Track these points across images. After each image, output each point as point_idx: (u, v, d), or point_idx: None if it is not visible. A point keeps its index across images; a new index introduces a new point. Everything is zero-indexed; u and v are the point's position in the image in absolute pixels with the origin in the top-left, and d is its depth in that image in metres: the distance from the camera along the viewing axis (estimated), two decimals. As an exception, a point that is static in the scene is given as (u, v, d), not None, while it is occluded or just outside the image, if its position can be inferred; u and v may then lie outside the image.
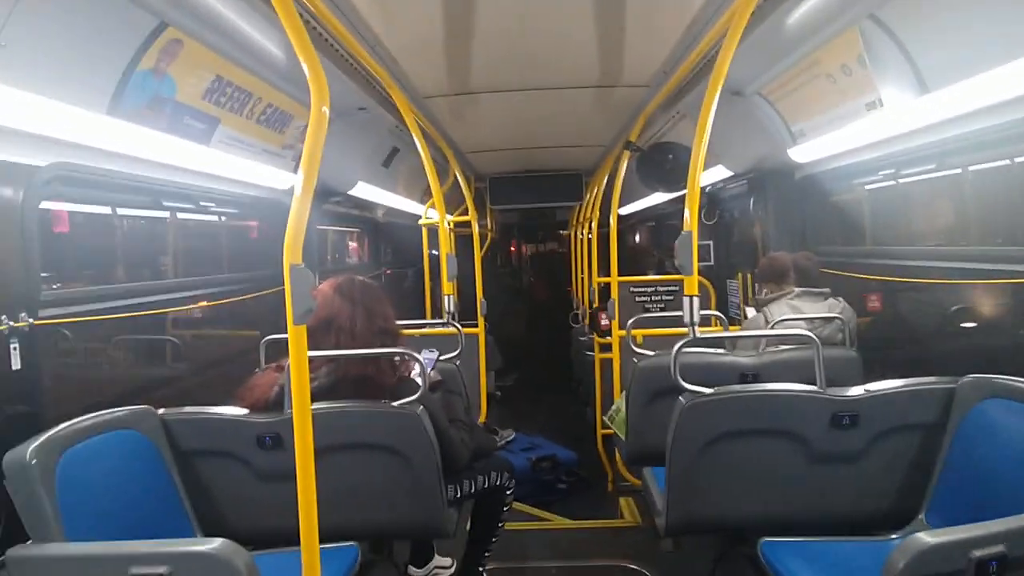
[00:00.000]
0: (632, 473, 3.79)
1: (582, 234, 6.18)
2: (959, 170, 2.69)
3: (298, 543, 1.29)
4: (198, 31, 2.07)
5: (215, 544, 1.35)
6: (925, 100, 2.27)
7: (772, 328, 2.82)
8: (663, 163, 3.93)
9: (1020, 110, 2.04)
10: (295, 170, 3.32)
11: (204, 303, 3.06)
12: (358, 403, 2.01)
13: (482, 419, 4.07)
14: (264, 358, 2.51)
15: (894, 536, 1.89)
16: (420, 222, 5.27)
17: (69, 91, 1.79)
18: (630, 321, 3.06)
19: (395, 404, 2.00)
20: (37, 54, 1.65)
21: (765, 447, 1.95)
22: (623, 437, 2.81)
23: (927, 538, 1.27)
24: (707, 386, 1.95)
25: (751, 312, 3.42)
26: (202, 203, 2.97)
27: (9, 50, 1.56)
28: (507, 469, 2.54)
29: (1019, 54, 1.81)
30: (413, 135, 3.01)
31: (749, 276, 4.32)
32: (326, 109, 1.36)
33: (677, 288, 4.69)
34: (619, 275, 3.84)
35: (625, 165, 3.79)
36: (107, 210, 2.64)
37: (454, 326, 3.13)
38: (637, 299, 4.73)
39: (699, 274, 2.10)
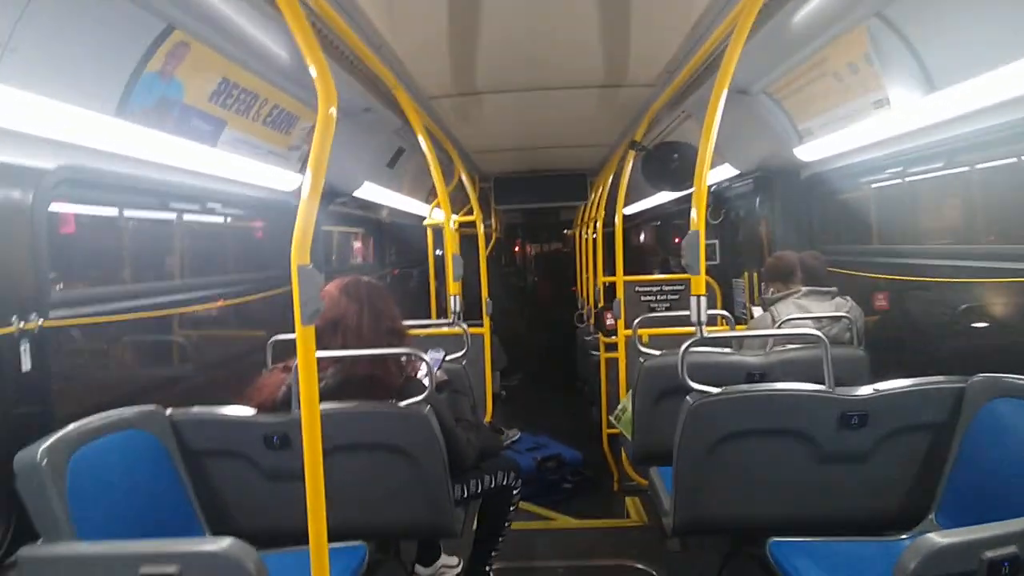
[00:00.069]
0: (638, 473, 3.78)
1: (587, 234, 6.17)
2: (967, 168, 2.67)
3: (306, 542, 1.29)
4: (205, 34, 2.08)
5: (224, 543, 1.36)
6: (932, 98, 2.26)
7: (779, 327, 2.81)
8: (668, 162, 3.92)
9: (1029, 108, 2.03)
10: (301, 171, 3.33)
11: (211, 304, 3.07)
12: (365, 403, 2.02)
13: (488, 419, 4.07)
14: (271, 358, 2.52)
15: (904, 536, 1.88)
16: (425, 222, 5.28)
17: (77, 94, 1.81)
18: (636, 320, 3.05)
19: (402, 404, 2.00)
20: (46, 58, 1.66)
21: (773, 447, 1.94)
22: (629, 437, 2.80)
23: (938, 539, 1.26)
24: (714, 386, 1.95)
25: (758, 311, 3.41)
26: (208, 204, 2.98)
27: (19, 54, 1.57)
28: (514, 469, 2.54)
29: (1028, 51, 1.80)
30: (418, 135, 3.02)
31: (755, 275, 4.31)
32: (333, 110, 1.36)
33: (682, 287, 4.68)
34: (624, 275, 3.84)
35: (630, 164, 3.79)
36: (114, 211, 2.66)
37: (460, 326, 3.13)
38: (642, 299, 4.73)
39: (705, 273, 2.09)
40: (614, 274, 3.94)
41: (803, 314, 2.84)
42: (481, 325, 4.02)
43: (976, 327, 2.63)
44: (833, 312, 2.84)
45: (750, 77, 3.05)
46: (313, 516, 1.27)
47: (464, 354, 2.91)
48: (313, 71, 1.37)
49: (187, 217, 3.06)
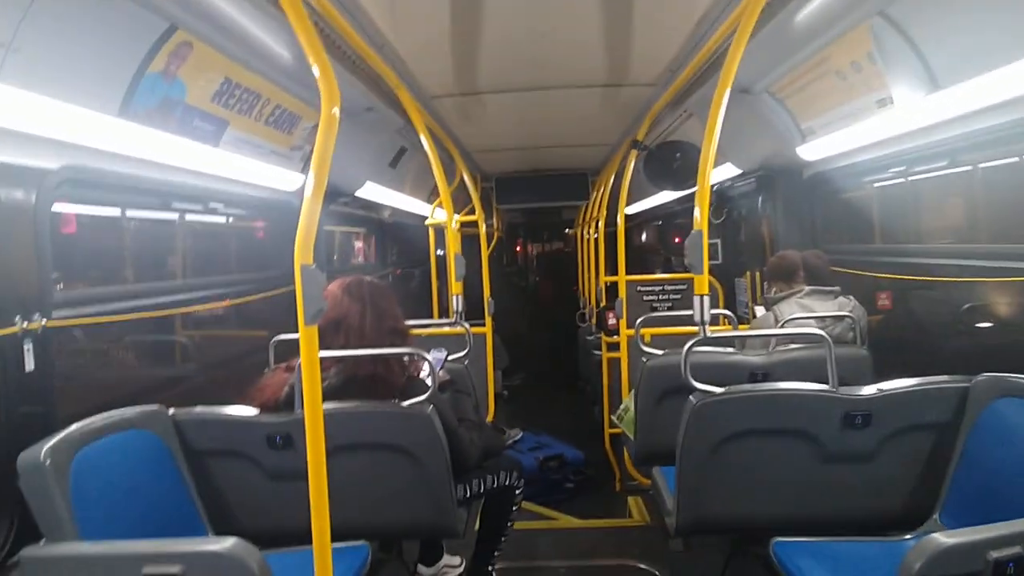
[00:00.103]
0: (640, 472, 3.78)
1: (588, 233, 6.17)
2: (970, 168, 2.67)
3: (308, 542, 1.29)
4: (207, 34, 2.09)
5: (228, 543, 1.36)
6: (936, 97, 2.25)
7: (782, 327, 2.80)
8: (671, 161, 3.92)
9: (1033, 106, 2.02)
10: (303, 171, 3.33)
11: (215, 304, 3.07)
12: (368, 403, 2.02)
13: (490, 418, 4.07)
14: (273, 358, 2.52)
15: (908, 537, 1.87)
16: (427, 222, 5.27)
17: (80, 94, 1.81)
18: (639, 320, 3.05)
19: (405, 404, 2.00)
20: (49, 58, 1.66)
21: (777, 447, 1.93)
22: (632, 436, 2.80)
23: (943, 539, 1.26)
24: (717, 385, 1.94)
25: (760, 311, 3.41)
26: (211, 204, 2.98)
27: (22, 54, 1.58)
28: (516, 468, 2.53)
29: (1032, 50, 1.80)
30: (421, 135, 3.02)
31: (758, 275, 4.30)
32: (336, 110, 1.36)
33: (685, 287, 4.67)
34: (626, 274, 3.83)
35: (632, 164, 3.78)
36: (116, 211, 2.66)
37: (462, 326, 3.13)
38: (644, 298, 4.72)
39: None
40: (616, 274, 3.93)
41: (806, 313, 2.83)
42: (483, 325, 4.02)
43: (979, 326, 2.62)
44: (836, 312, 2.84)
45: (753, 76, 3.04)
46: (316, 516, 1.27)
47: (466, 354, 2.91)
48: (316, 71, 1.37)
49: (189, 217, 3.07)
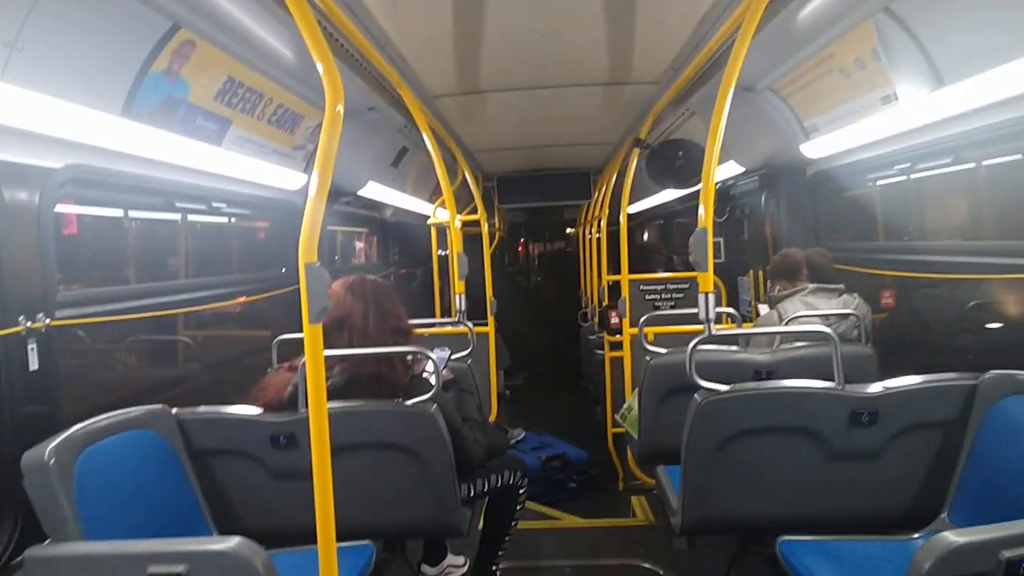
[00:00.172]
0: (644, 472, 3.77)
1: (590, 233, 6.16)
2: (974, 165, 2.65)
3: (313, 542, 1.28)
4: (210, 33, 2.08)
5: (232, 542, 1.35)
6: (940, 94, 2.24)
7: (786, 325, 2.79)
8: (673, 160, 3.91)
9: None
10: (305, 171, 3.33)
11: (225, 303, 3.07)
12: (372, 402, 2.01)
13: (493, 418, 4.06)
14: (276, 358, 2.51)
15: (916, 536, 1.86)
16: (429, 221, 5.27)
17: (84, 93, 1.80)
18: (642, 319, 3.04)
19: (409, 403, 2.00)
20: (52, 57, 1.66)
21: (782, 445, 1.93)
22: (635, 435, 2.79)
23: (954, 537, 1.24)
24: (721, 384, 1.93)
25: (763, 309, 3.40)
26: (214, 204, 2.98)
27: (26, 53, 1.57)
28: (520, 468, 2.53)
29: (1037, 45, 1.79)
30: (423, 134, 3.01)
31: (761, 273, 4.29)
32: (340, 108, 1.35)
33: (687, 286, 4.67)
34: (628, 273, 3.83)
35: (634, 163, 3.77)
36: (118, 211, 2.66)
37: (465, 325, 3.12)
38: (647, 297, 4.71)
39: None
40: (618, 273, 3.92)
41: (810, 312, 2.83)
42: (485, 324, 4.01)
43: (985, 324, 2.61)
44: (840, 309, 2.83)
45: (756, 74, 3.03)
46: (321, 515, 1.26)
47: (469, 353, 2.91)
48: (320, 67, 1.36)
49: (192, 217, 3.06)
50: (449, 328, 3.50)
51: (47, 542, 1.54)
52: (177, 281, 3.02)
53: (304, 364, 1.47)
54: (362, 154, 3.83)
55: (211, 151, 2.48)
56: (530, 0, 2.33)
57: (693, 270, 4.05)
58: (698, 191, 1.96)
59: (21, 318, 1.74)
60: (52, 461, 1.54)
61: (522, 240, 10.27)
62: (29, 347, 1.76)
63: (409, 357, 2.16)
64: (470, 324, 3.12)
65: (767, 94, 3.22)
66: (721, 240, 5.05)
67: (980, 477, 1.81)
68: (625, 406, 3.04)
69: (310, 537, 1.30)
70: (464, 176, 4.35)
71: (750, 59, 1.89)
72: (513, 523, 2.57)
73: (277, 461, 1.98)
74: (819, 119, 3.08)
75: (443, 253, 5.41)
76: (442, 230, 5.33)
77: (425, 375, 2.13)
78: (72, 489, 1.56)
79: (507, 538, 2.58)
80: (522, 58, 2.99)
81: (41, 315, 1.79)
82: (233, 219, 3.56)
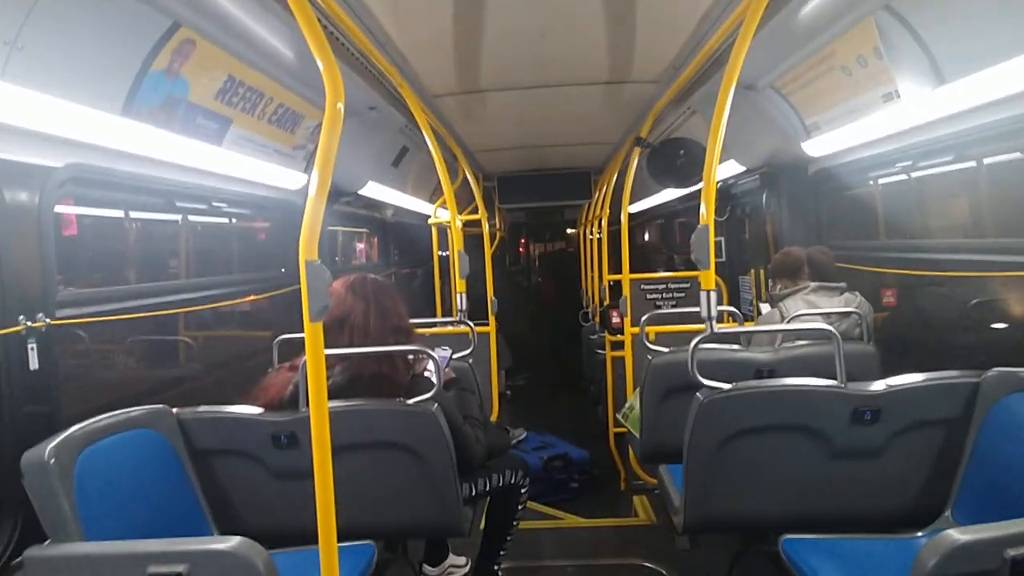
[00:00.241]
0: (646, 471, 3.76)
1: (591, 232, 6.16)
2: (977, 162, 2.65)
3: (314, 542, 1.28)
4: (210, 31, 2.08)
5: (233, 542, 1.35)
6: (942, 91, 2.23)
7: (788, 324, 2.79)
8: (674, 159, 3.90)
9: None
10: (306, 170, 3.33)
11: (216, 304, 3.07)
12: (373, 401, 2.01)
13: (494, 417, 4.06)
14: (277, 357, 2.51)
15: (919, 534, 1.86)
16: (430, 221, 5.27)
17: (84, 92, 1.80)
18: (644, 318, 3.04)
19: (410, 402, 1.99)
20: (52, 56, 1.66)
21: (785, 443, 1.92)
22: (637, 435, 2.79)
23: (958, 535, 1.24)
24: (723, 382, 1.93)
25: (765, 308, 3.39)
26: (214, 204, 2.98)
27: (26, 52, 1.57)
28: (521, 467, 2.52)
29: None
30: (424, 134, 3.01)
31: (762, 272, 4.28)
32: (341, 106, 1.35)
33: (688, 285, 4.66)
34: (629, 273, 3.82)
35: (635, 162, 3.77)
36: (119, 212, 2.66)
37: (466, 324, 3.11)
38: (648, 296, 4.71)
39: None
40: (619, 272, 3.92)
41: (811, 310, 2.82)
42: (486, 324, 4.01)
43: (987, 322, 2.60)
44: (842, 308, 2.82)
45: (757, 72, 3.03)
46: (322, 515, 1.26)
47: (470, 352, 2.90)
48: (320, 65, 1.36)
49: (192, 216, 3.06)
50: (450, 328, 3.50)
51: (47, 542, 1.54)
52: (177, 281, 3.01)
53: (305, 363, 1.46)
54: (363, 154, 3.82)
55: (211, 151, 2.48)
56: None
57: (694, 269, 4.05)
58: (699, 190, 1.96)
59: (21, 317, 1.74)
60: (52, 461, 1.53)
61: (523, 240, 10.27)
62: (29, 347, 1.75)
63: (410, 356, 2.15)
64: (471, 324, 3.11)
65: (768, 92, 3.21)
66: (722, 239, 5.04)
67: (983, 475, 1.80)
68: (627, 405, 3.04)
69: (311, 537, 1.29)
70: (465, 176, 4.35)
71: (751, 57, 1.88)
72: (515, 523, 2.57)
73: (278, 461, 1.98)
74: (820, 117, 3.07)
75: (444, 253, 5.40)
76: (443, 230, 5.33)
77: (426, 374, 2.13)
78: (72, 489, 1.55)
79: (509, 538, 2.57)
80: (523, 57, 2.99)
81: (41, 315, 1.79)
82: (234, 219, 3.56)
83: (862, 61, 2.49)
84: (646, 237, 9.16)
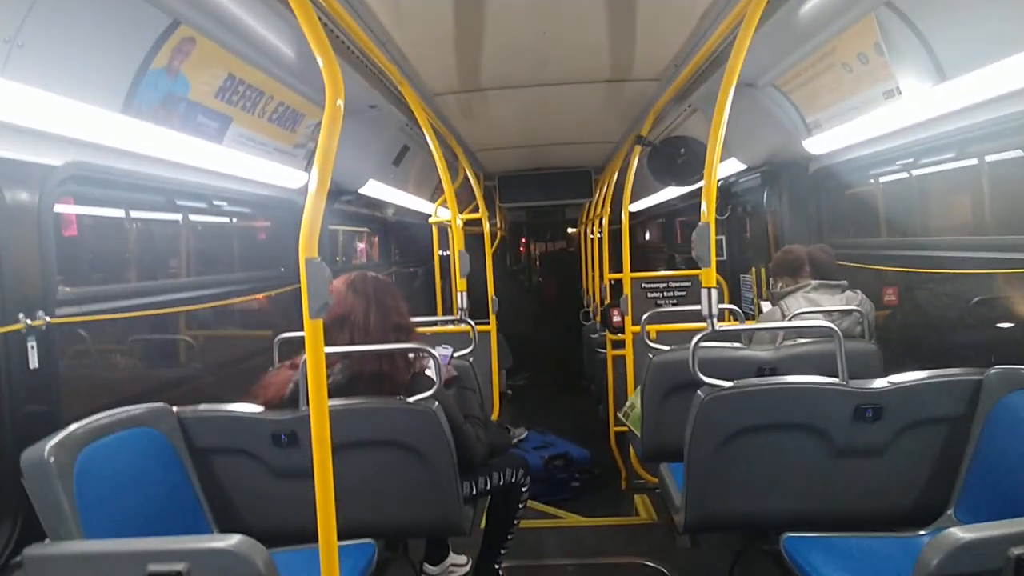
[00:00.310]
0: (647, 470, 3.76)
1: (592, 231, 6.15)
2: (976, 160, 2.64)
3: (314, 540, 1.27)
4: (211, 29, 2.07)
5: (233, 540, 1.34)
6: (943, 88, 2.22)
7: (789, 321, 2.78)
8: (675, 157, 3.90)
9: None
10: (306, 169, 3.33)
11: (216, 303, 3.06)
12: (373, 399, 2.01)
13: (495, 416, 4.05)
14: (278, 356, 2.51)
15: (922, 532, 1.85)
16: (431, 220, 5.27)
17: (84, 90, 1.80)
18: (644, 316, 3.03)
19: (410, 400, 1.99)
20: (53, 54, 1.65)
21: (786, 441, 1.91)
22: (638, 433, 2.78)
23: (962, 534, 1.23)
24: (724, 380, 1.92)
25: (766, 307, 3.38)
26: (214, 202, 2.97)
27: (26, 50, 1.57)
28: (522, 466, 2.52)
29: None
30: (424, 133, 3.00)
31: (763, 271, 4.27)
32: (341, 103, 1.35)
33: (689, 284, 4.66)
34: (630, 272, 3.81)
35: (636, 161, 3.76)
36: (119, 211, 2.65)
37: (467, 323, 3.11)
38: (649, 295, 4.70)
39: None
40: (620, 271, 3.91)
41: (813, 308, 2.81)
42: (487, 323, 4.00)
43: (989, 320, 2.59)
44: (843, 306, 2.81)
45: (757, 70, 3.02)
46: (322, 514, 1.26)
47: (471, 351, 2.90)
48: (320, 61, 1.35)
49: (193, 216, 3.06)
50: (451, 327, 3.49)
51: (47, 541, 1.53)
52: (178, 280, 3.01)
53: (305, 361, 1.46)
54: (364, 152, 3.82)
55: (212, 149, 2.48)
56: (530, -3, 2.32)
57: (695, 268, 4.03)
58: (700, 188, 1.96)
59: (21, 316, 1.74)
60: (52, 459, 1.53)
61: (524, 239, 10.27)
62: (29, 345, 1.75)
63: (411, 355, 2.15)
64: (472, 323, 3.11)
65: (769, 90, 3.20)
66: (723, 238, 5.03)
67: (986, 473, 1.80)
68: (628, 404, 3.03)
69: (311, 536, 1.29)
70: (465, 175, 4.34)
71: (752, 55, 1.88)
72: (516, 522, 2.56)
73: (278, 459, 1.98)
74: (821, 115, 3.06)
75: (444, 253, 5.40)
76: (444, 229, 5.33)
77: (427, 373, 2.12)
78: (72, 488, 1.55)
79: (510, 537, 2.57)
80: (523, 56, 2.98)
81: (41, 313, 1.79)
82: (234, 218, 3.55)
83: (863, 58, 2.48)
84: (647, 236, 9.15)
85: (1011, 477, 1.70)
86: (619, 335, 3.98)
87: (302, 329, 1.30)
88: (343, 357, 2.06)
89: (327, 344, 1.42)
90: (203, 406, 2.04)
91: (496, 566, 2.57)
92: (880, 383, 1.89)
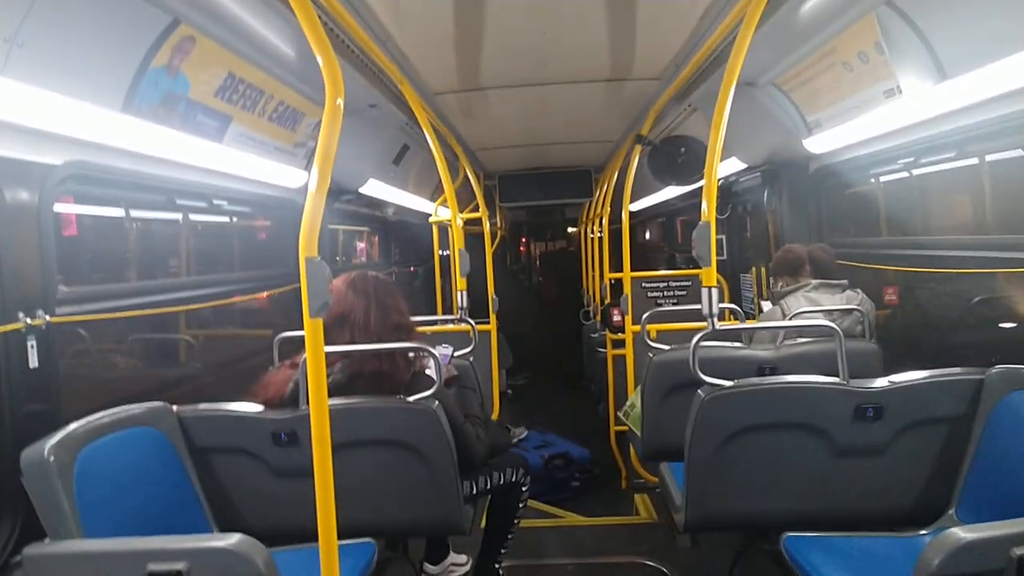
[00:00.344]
0: (647, 469, 3.76)
1: (592, 231, 6.15)
2: (976, 159, 2.64)
3: (314, 540, 1.27)
4: (211, 28, 2.07)
5: (233, 540, 1.34)
6: (944, 87, 2.22)
7: (790, 321, 2.78)
8: (675, 156, 3.89)
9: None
10: (306, 168, 3.32)
11: (216, 302, 3.06)
12: (373, 399, 2.00)
13: (495, 416, 4.05)
14: (278, 355, 2.51)
15: (923, 532, 1.85)
16: (431, 220, 5.27)
17: (84, 89, 1.80)
18: (645, 316, 3.03)
19: (411, 399, 1.99)
20: (53, 53, 1.65)
21: (787, 441, 1.91)
22: (638, 433, 2.78)
23: (963, 534, 1.22)
24: (725, 380, 1.92)
25: (766, 306, 3.38)
26: (214, 201, 2.97)
27: (26, 49, 1.57)
28: (522, 466, 2.52)
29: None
30: (424, 132, 3.00)
31: (763, 270, 4.27)
32: (340, 101, 1.35)
33: (690, 283, 4.66)
34: (631, 271, 3.81)
35: (636, 160, 3.76)
36: (119, 210, 2.65)
37: (467, 322, 3.11)
38: (649, 295, 4.70)
39: None
40: (620, 271, 3.91)
41: (813, 307, 2.81)
42: (487, 322, 4.00)
43: (990, 319, 2.59)
44: (844, 305, 2.81)
45: (758, 69, 3.02)
46: (322, 513, 1.25)
47: (471, 350, 2.90)
48: (320, 60, 1.35)
49: (193, 215, 3.05)
50: (451, 326, 3.49)
51: (46, 540, 1.53)
52: (178, 279, 3.01)
53: (305, 361, 1.46)
54: (364, 151, 3.82)
55: (212, 148, 2.48)
56: (530, -4, 2.32)
57: (695, 267, 4.03)
58: (700, 188, 1.95)
59: (21, 315, 1.73)
60: (52, 459, 1.53)
61: (524, 238, 10.26)
62: (29, 344, 1.75)
63: (411, 354, 2.15)
64: (472, 322, 3.11)
65: (769, 89, 3.20)
66: (723, 237, 5.03)
67: (987, 473, 1.79)
68: (628, 403, 3.03)
69: (311, 535, 1.29)
70: (466, 174, 4.34)
71: (752, 54, 1.88)
72: (516, 521, 2.56)
73: (278, 458, 1.98)
74: (821, 114, 3.06)
75: (445, 252, 5.40)
76: (444, 228, 5.33)
77: (427, 372, 2.12)
78: (72, 487, 1.54)
79: (510, 536, 2.57)
80: (523, 55, 2.98)
81: (41, 312, 1.79)
82: (234, 217, 3.55)
83: (863, 57, 2.48)
84: (647, 235, 9.14)
85: (1013, 477, 1.70)
86: (619, 334, 3.98)
87: (302, 328, 1.29)
88: (343, 356, 2.06)
89: (327, 343, 1.42)
90: (203, 405, 2.04)
91: (496, 565, 2.57)
92: (881, 382, 1.89)
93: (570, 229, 9.60)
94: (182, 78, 2.12)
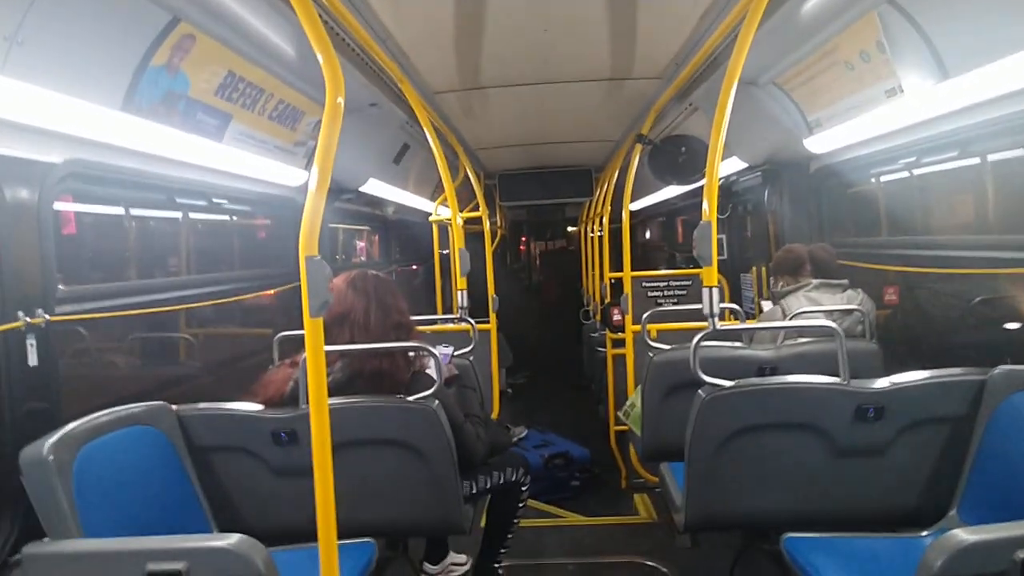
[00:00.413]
0: (647, 469, 3.76)
1: (592, 230, 6.15)
2: (978, 159, 2.63)
3: (314, 539, 1.27)
4: (211, 26, 2.07)
5: (232, 539, 1.34)
6: (946, 86, 2.22)
7: (790, 321, 2.77)
8: (676, 156, 3.89)
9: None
10: (306, 167, 3.32)
11: (216, 301, 3.06)
12: (373, 398, 2.00)
13: (495, 415, 4.05)
14: (278, 354, 2.50)
15: (924, 533, 1.84)
16: (431, 219, 5.26)
17: (84, 87, 1.79)
18: (645, 315, 3.03)
19: (411, 399, 1.98)
20: (53, 51, 1.65)
21: (787, 441, 1.91)
22: (638, 433, 2.78)
23: (966, 536, 1.22)
24: (725, 380, 1.92)
25: (767, 306, 3.38)
26: (214, 200, 2.97)
27: (26, 47, 1.56)
28: (523, 465, 2.52)
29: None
30: (425, 131, 3.00)
31: (764, 270, 4.27)
32: (341, 100, 1.34)
33: (690, 283, 4.65)
34: (631, 270, 3.81)
35: (636, 159, 3.76)
36: (119, 209, 2.64)
37: (467, 322, 3.11)
38: (649, 294, 4.70)
39: None
40: (620, 270, 3.91)
41: (814, 307, 2.81)
42: (487, 322, 4.00)
43: (991, 320, 2.59)
44: (845, 305, 2.81)
45: (759, 68, 3.01)
46: (322, 513, 1.25)
47: (471, 350, 2.89)
48: (320, 58, 1.35)
49: (193, 214, 3.05)
50: (451, 325, 3.49)
51: (46, 539, 1.53)
52: (178, 278, 3.00)
53: (305, 360, 1.45)
54: (364, 150, 3.81)
55: (212, 147, 2.47)
56: (530, -5, 2.32)
57: (696, 267, 4.02)
58: (701, 187, 1.95)
59: (20, 314, 1.73)
60: (51, 457, 1.52)
61: (524, 238, 10.25)
62: (28, 343, 1.74)
63: (411, 353, 2.15)
64: (472, 321, 3.10)
65: (770, 88, 3.19)
66: (724, 236, 5.02)
67: (989, 474, 1.79)
68: (628, 403, 3.03)
69: (311, 535, 1.28)
70: (466, 173, 4.34)
71: (753, 53, 1.87)
72: (516, 521, 2.56)
73: (278, 458, 1.97)
74: (823, 113, 3.06)
75: (445, 251, 5.40)
76: (444, 227, 5.32)
77: (427, 371, 2.12)
78: (71, 486, 1.54)
79: (510, 536, 2.56)
80: (524, 54, 2.98)
81: (40, 311, 1.78)
82: (234, 216, 3.55)
83: (865, 56, 2.47)
84: (647, 235, 9.14)
85: (1016, 478, 1.69)
86: (619, 334, 3.98)
87: (302, 327, 1.29)
88: (343, 355, 2.06)
89: (327, 342, 1.42)
90: (203, 404, 2.04)
91: (496, 565, 2.56)
92: (882, 383, 1.88)
93: (570, 228, 9.60)
94: (182, 76, 2.11)
